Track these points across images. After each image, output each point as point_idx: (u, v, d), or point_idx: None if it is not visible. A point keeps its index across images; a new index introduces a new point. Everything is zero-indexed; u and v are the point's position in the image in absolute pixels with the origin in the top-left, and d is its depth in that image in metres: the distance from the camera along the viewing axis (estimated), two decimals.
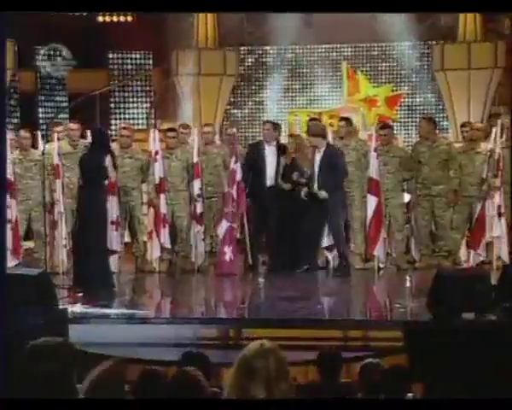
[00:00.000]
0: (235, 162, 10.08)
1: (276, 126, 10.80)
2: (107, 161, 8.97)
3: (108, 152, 9.19)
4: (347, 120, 10.84)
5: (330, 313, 8.01)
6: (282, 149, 10.45)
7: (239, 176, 10.05)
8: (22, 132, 10.64)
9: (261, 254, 10.58)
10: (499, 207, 9.90)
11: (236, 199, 10.02)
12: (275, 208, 10.24)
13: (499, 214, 9.90)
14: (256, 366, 3.17)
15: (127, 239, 10.51)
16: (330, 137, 10.52)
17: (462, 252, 10.40)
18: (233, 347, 6.96)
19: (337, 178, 9.84)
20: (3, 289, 3.45)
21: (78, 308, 7.76)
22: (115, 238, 9.78)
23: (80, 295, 8.39)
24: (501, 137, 10.13)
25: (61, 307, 7.23)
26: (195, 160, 10.23)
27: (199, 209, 10.21)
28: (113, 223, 9.70)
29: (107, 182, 9.22)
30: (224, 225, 10.01)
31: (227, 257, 9.95)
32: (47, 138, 10.69)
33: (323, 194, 9.81)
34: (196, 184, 10.21)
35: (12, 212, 9.80)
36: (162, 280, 10.12)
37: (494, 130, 10.13)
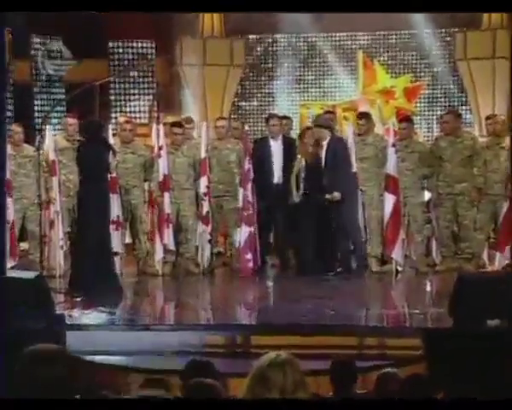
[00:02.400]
0: (250, 162, 10.11)
1: (282, 120, 10.82)
2: (110, 154, 9.01)
3: (109, 145, 9.23)
4: (367, 115, 10.82)
5: (344, 318, 8.00)
6: (289, 144, 10.45)
7: (252, 175, 10.09)
8: (14, 126, 10.59)
9: (269, 255, 10.61)
10: None
11: (251, 200, 10.07)
12: (283, 207, 10.26)
13: None
14: (272, 377, 3.22)
15: (128, 240, 10.55)
16: (350, 132, 10.48)
17: (485, 254, 10.39)
18: (241, 355, 6.99)
19: (345, 172, 9.86)
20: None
21: (76, 313, 7.80)
22: (116, 239, 9.80)
23: (78, 299, 8.42)
24: None
25: (58, 312, 7.26)
26: (203, 155, 10.26)
27: (205, 209, 10.23)
28: (113, 222, 9.72)
29: (109, 176, 9.26)
30: (244, 231, 10.07)
31: (250, 264, 10.07)
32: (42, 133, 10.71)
33: (336, 196, 9.84)
34: (203, 182, 10.22)
35: (9, 211, 9.83)
36: (165, 283, 10.14)
37: None
